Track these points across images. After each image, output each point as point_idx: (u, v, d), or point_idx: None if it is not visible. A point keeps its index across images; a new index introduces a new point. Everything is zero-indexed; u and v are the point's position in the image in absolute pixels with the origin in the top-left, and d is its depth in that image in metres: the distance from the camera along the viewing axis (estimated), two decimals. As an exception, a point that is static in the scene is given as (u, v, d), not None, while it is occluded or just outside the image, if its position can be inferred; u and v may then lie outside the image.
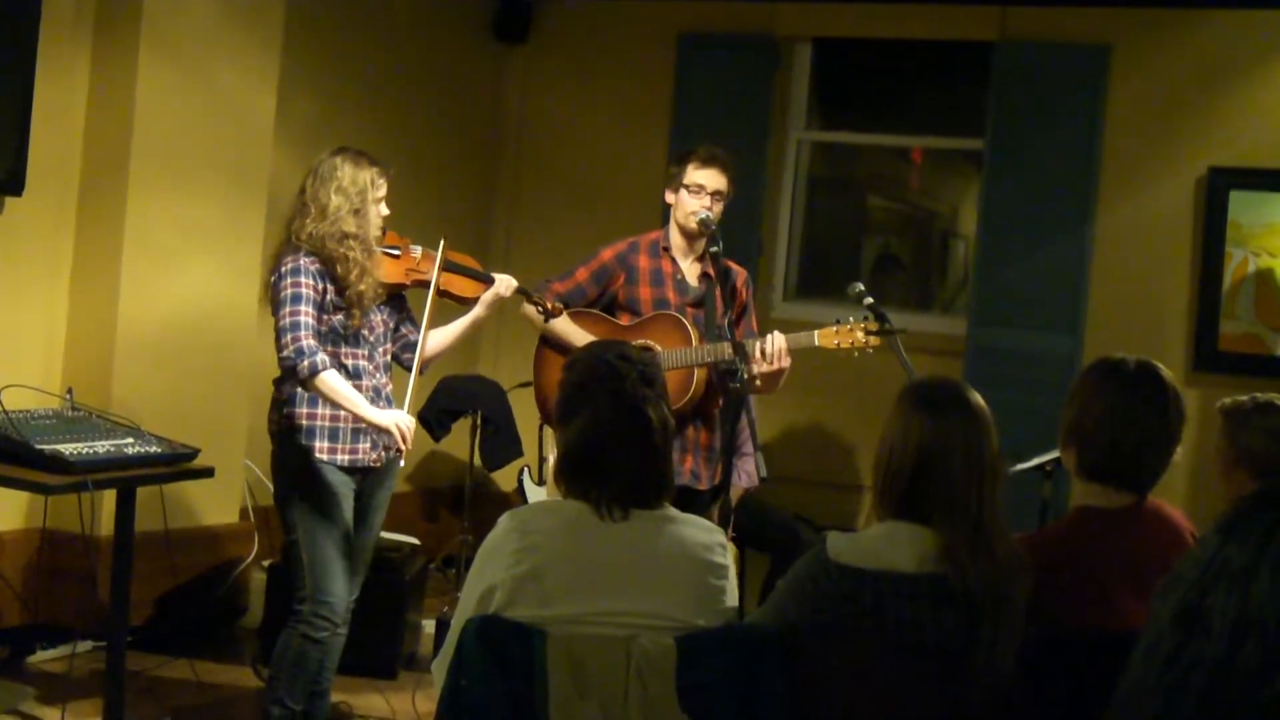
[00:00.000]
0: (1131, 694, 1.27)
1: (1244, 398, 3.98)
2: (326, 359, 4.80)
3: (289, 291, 4.84)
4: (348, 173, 4.92)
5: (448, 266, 5.15)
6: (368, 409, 4.85)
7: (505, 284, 5.29)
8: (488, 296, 5.28)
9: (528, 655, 2.95)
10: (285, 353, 4.80)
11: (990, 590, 3.07)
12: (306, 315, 4.82)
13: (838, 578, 3.11)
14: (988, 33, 7.77)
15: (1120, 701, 1.36)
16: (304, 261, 4.86)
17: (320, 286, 4.86)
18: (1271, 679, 1.10)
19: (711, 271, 5.49)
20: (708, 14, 8.31)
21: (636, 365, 3.30)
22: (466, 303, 5.28)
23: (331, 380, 4.79)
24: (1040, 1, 7.63)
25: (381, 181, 5.00)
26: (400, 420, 4.86)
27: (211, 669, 6.22)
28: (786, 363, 5.33)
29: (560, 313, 5.49)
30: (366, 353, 5.00)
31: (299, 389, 4.91)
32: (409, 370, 5.08)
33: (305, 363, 4.75)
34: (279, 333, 4.84)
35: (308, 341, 4.78)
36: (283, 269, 4.88)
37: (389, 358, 5.16)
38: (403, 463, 5.19)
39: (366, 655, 5.86)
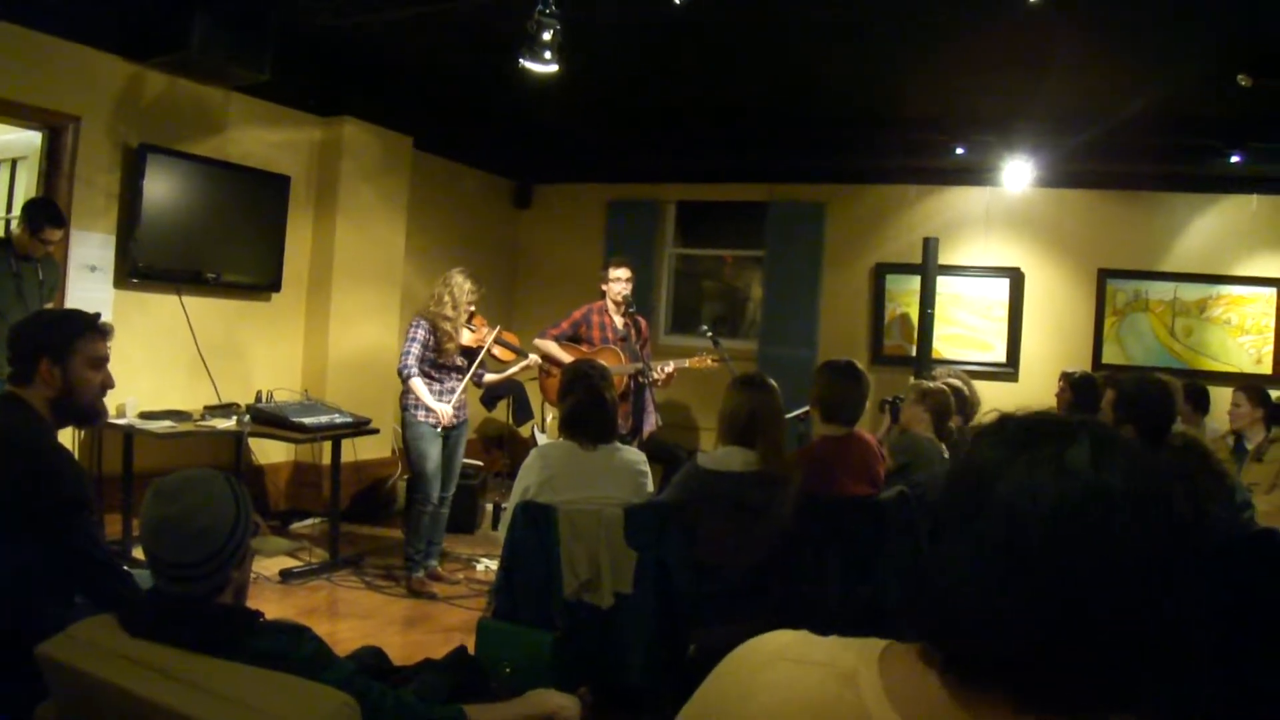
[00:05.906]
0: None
1: (926, 382, 4.18)
2: (415, 372, 4.75)
3: (410, 335, 4.79)
4: (457, 282, 4.84)
5: (499, 341, 5.01)
6: (429, 400, 4.76)
7: (533, 359, 5.21)
8: (523, 365, 5.15)
9: (548, 520, 2.96)
10: (399, 365, 4.79)
11: (779, 478, 3.12)
12: (415, 349, 4.76)
13: (704, 475, 3.13)
14: (763, 196, 7.78)
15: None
16: (423, 323, 4.80)
17: (429, 339, 4.80)
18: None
19: (630, 321, 5.53)
20: (624, 190, 8.26)
21: (599, 371, 3.31)
22: (501, 363, 5.15)
23: (414, 383, 4.75)
24: (791, 180, 7.66)
25: (473, 290, 4.88)
26: (444, 410, 4.77)
27: (377, 530, 6.17)
28: (672, 372, 5.40)
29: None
30: (451, 373, 4.88)
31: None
32: (478, 386, 5.05)
33: (405, 373, 4.75)
34: (401, 355, 4.81)
35: (409, 362, 4.74)
36: (413, 323, 4.82)
37: (463, 378, 4.90)
38: (467, 427, 5.06)
39: (458, 521, 5.76)
